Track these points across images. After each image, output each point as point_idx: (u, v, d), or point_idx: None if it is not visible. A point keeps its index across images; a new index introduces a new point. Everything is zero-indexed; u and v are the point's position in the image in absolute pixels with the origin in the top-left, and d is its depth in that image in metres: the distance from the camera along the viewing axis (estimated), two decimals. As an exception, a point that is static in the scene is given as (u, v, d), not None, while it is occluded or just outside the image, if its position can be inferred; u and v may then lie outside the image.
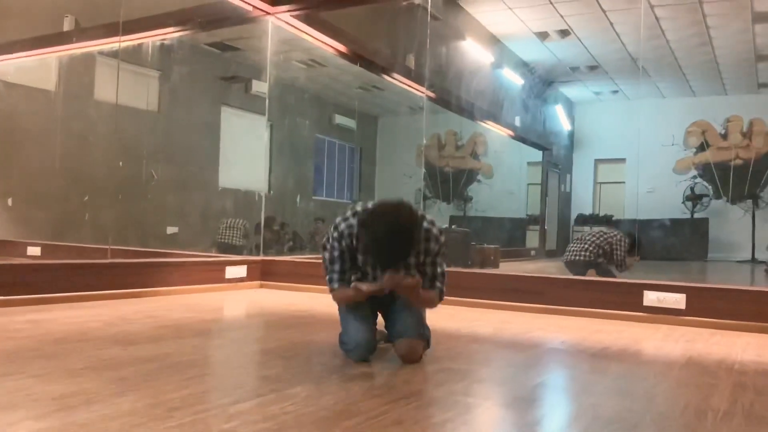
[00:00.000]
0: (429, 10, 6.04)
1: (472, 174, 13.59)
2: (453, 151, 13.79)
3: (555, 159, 13.41)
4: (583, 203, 13.96)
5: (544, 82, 12.34)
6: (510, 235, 12.92)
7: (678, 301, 3.83)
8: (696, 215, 12.50)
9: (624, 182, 13.22)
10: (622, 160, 13.01)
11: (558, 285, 4.21)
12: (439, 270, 2.38)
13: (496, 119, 10.97)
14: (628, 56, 10.58)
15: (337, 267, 2.38)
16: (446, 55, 8.94)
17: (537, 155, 12.87)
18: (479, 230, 11.66)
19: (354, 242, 2.33)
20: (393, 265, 2.21)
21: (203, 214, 8.51)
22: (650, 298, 3.90)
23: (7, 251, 6.68)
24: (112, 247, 5.76)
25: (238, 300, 4.37)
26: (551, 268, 10.44)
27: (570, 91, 13.36)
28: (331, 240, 2.39)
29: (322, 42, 5.79)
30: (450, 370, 2.28)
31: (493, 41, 10.06)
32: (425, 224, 2.31)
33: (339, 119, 11.91)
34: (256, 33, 6.08)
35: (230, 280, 4.89)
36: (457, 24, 8.99)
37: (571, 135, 14.03)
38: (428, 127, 12.77)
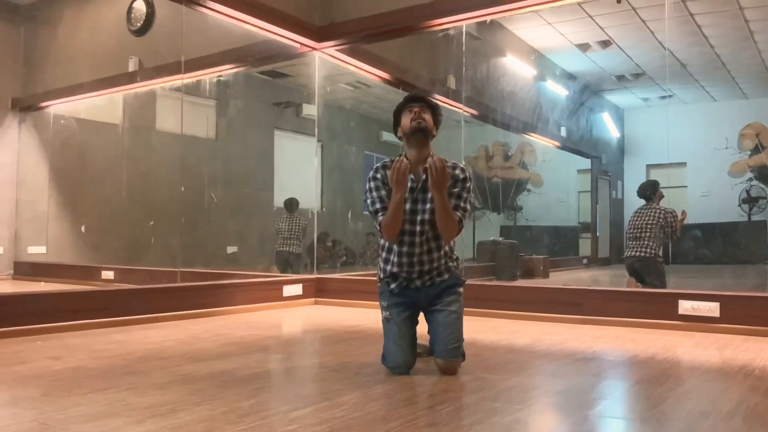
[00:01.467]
0: (463, 36, 6.31)
1: (521, 184, 13.70)
2: (501, 161, 13.94)
3: (604, 166, 13.41)
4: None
5: (589, 92, 12.42)
6: (562, 244, 12.95)
7: (712, 309, 3.99)
8: (753, 218, 12.31)
9: (677, 186, 13.13)
10: (676, 164, 12.93)
11: (596, 296, 4.41)
12: (462, 204, 2.63)
13: (540, 131, 11.13)
14: (676, 62, 10.60)
15: (378, 205, 2.62)
16: (487, 72, 9.18)
17: (586, 163, 12.92)
18: (529, 240, 11.76)
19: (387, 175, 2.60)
20: (416, 96, 2.66)
21: (260, 233, 8.96)
22: (685, 306, 4.07)
23: (83, 275, 7.25)
24: (181, 270, 6.25)
25: (295, 317, 4.72)
26: (603, 276, 10.50)
27: (617, 98, 13.37)
28: (367, 190, 2.67)
29: (366, 71, 6.14)
30: (483, 379, 2.56)
31: (535, 55, 10.25)
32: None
33: (386, 136, 12.22)
34: (305, 60, 6.48)
35: (287, 298, 5.26)
36: (497, 41, 9.22)
37: (621, 142, 14.00)
38: (471, 140, 13.00)
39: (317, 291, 5.49)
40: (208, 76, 6.67)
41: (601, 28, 9.15)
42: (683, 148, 12.17)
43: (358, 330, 4.01)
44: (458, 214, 2.62)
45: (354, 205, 11.82)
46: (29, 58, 7.75)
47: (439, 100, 7.78)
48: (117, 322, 4.04)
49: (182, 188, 8.16)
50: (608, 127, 13.53)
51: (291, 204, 8.00)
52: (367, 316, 4.67)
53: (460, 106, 7.54)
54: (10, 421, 1.92)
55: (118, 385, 2.41)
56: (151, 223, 7.72)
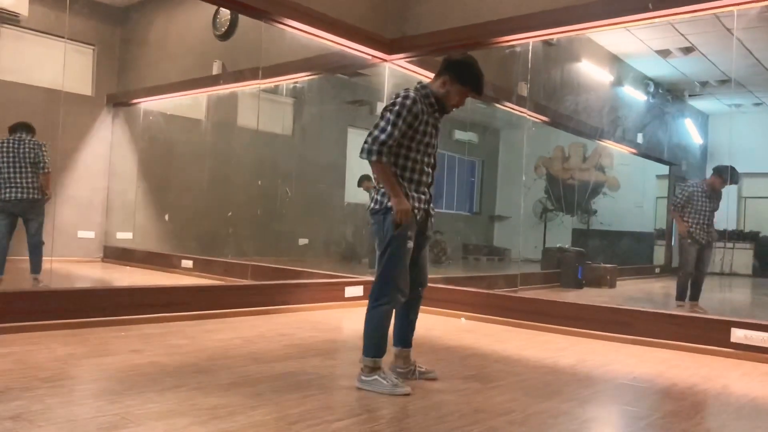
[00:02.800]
0: (529, 53, 6.37)
1: (597, 186, 13.51)
2: (579, 163, 13.77)
3: (684, 173, 13.04)
4: (725, 218, 13.45)
5: (669, 97, 12.10)
6: (636, 251, 12.69)
7: (765, 339, 3.98)
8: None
9: (764, 197, 12.65)
10: (763, 174, 12.45)
11: (645, 317, 4.46)
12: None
13: (615, 137, 10.98)
14: (765, 71, 10.23)
15: (396, 133, 2.72)
16: (561, 78, 9.15)
17: (665, 168, 12.61)
18: (602, 245, 11.60)
19: (424, 113, 2.82)
20: (483, 86, 2.96)
21: (330, 227, 9.32)
22: (737, 335, 4.08)
23: (165, 263, 7.80)
24: (252, 263, 6.64)
25: (354, 319, 5.00)
26: (673, 288, 10.30)
27: (702, 104, 12.96)
28: (399, 104, 2.75)
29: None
30: (517, 400, 2.73)
31: (613, 60, 10.11)
32: None
33: (459, 134, 12.32)
34: (377, 69, 6.70)
35: (349, 299, 5.54)
36: (573, 47, 9.16)
37: (704, 148, 13.57)
38: (546, 142, 12.93)
39: (378, 293, 5.74)
40: (285, 82, 7.00)
41: (682, 34, 8.95)
42: (769, 157, 11.73)
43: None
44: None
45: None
46: (123, 57, 8.33)
47: (509, 107, 7.88)
48: (192, 315, 4.42)
49: (259, 182, 8.62)
50: (690, 133, 13.14)
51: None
52: (420, 322, 4.88)
53: (534, 114, 7.66)
54: (97, 413, 2.26)
55: (188, 383, 2.73)
56: (230, 214, 8.18)
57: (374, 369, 2.81)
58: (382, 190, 2.85)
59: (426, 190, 2.94)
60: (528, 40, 5.28)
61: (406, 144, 2.83)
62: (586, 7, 4.67)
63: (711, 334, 4.15)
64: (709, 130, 13.41)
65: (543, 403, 2.72)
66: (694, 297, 6.05)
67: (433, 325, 4.84)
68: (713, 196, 6.07)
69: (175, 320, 4.29)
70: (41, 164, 5.30)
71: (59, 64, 7.44)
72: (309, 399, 2.59)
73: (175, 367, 3.03)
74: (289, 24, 5.11)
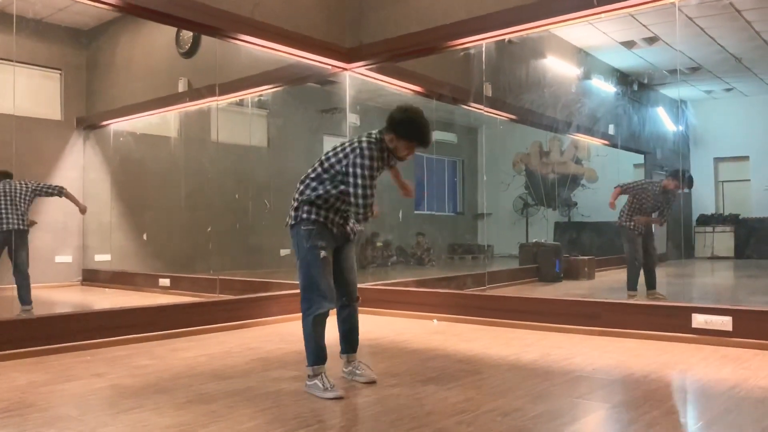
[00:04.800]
0: (483, 55, 6.44)
1: (576, 179, 13.61)
2: (557, 157, 13.87)
3: (660, 161, 13.16)
4: (705, 203, 13.59)
5: (639, 87, 12.22)
6: (617, 241, 12.76)
7: (725, 323, 4.05)
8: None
9: (741, 180, 12.81)
10: (745, 157, 12.61)
11: (612, 309, 4.53)
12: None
13: (586, 130, 11.07)
14: (730, 57, 10.38)
15: (370, 194, 2.90)
16: (527, 75, 9.23)
17: (641, 158, 12.72)
18: (584, 236, 11.67)
19: (381, 161, 2.98)
20: (429, 138, 3.01)
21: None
22: (698, 320, 4.14)
23: (143, 283, 7.81)
24: (220, 277, 6.65)
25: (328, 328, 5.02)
26: (659, 275, 10.36)
27: (681, 92, 13.09)
28: (367, 162, 2.88)
29: (397, 86, 6.37)
30: (471, 400, 2.78)
31: (578, 54, 10.21)
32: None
33: (438, 135, 12.36)
34: (339, 78, 6.73)
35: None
36: (537, 44, 9.24)
37: (683, 135, 13.69)
38: (521, 138, 13.01)
39: (351, 300, 5.77)
40: (250, 95, 7.04)
41: (644, 25, 9.05)
42: (745, 141, 11.90)
43: (378, 344, 4.27)
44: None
45: (404, 205, 12.06)
46: (91, 80, 8.33)
47: (476, 107, 7.95)
48: (160, 336, 4.44)
49: (237, 195, 8.63)
50: (663, 122, 13.26)
51: None
52: (392, 327, 4.93)
53: (497, 112, 7.73)
54: (46, 440, 2.28)
55: (144, 404, 2.76)
56: (209, 229, 8.19)
57: (314, 375, 2.95)
58: (295, 204, 3.03)
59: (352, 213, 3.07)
60: (482, 42, 5.34)
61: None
62: (533, 7, 4.73)
63: (673, 321, 4.22)
64: (687, 117, 13.55)
65: (496, 401, 2.77)
66: (651, 285, 6.15)
67: (404, 329, 4.89)
68: (662, 198, 6.19)
69: (142, 341, 4.30)
70: (52, 193, 5.66)
71: (24, 91, 7.44)
72: (262, 413, 2.62)
73: (135, 389, 3.05)
74: (246, 40, 5.15)
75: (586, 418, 2.57)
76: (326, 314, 3.01)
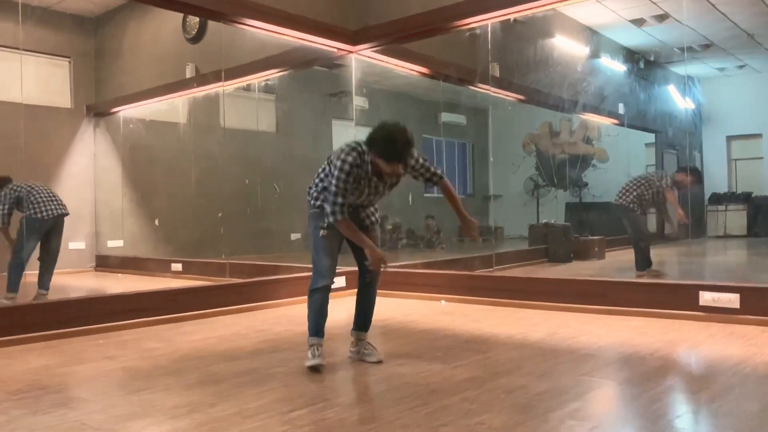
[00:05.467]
0: (489, 35, 6.39)
1: (586, 159, 13.53)
2: (568, 137, 13.79)
3: (671, 140, 13.06)
4: (718, 182, 13.49)
5: (649, 65, 12.09)
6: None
7: (732, 300, 4.05)
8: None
9: (754, 158, 12.68)
10: (758, 135, 12.48)
11: (619, 287, 4.53)
12: (432, 168, 3.21)
13: (596, 109, 10.99)
14: (742, 33, 10.23)
15: (340, 200, 2.97)
16: (535, 54, 9.17)
17: (653, 136, 12.64)
18: (595, 217, 11.62)
19: (360, 169, 2.97)
20: (404, 156, 2.91)
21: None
22: (705, 298, 4.14)
23: (156, 267, 7.89)
24: (231, 261, 6.71)
25: (333, 310, 5.06)
26: (669, 254, 10.34)
27: (691, 69, 12.94)
28: (337, 173, 2.93)
29: (404, 68, 6.35)
30: (476, 378, 2.80)
31: (587, 32, 10.11)
32: None
33: (446, 117, 12.30)
34: (345, 60, 6.72)
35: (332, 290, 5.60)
36: (545, 22, 9.17)
37: (696, 113, 13.56)
38: (531, 119, 12.94)
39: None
40: (257, 80, 7.05)
41: (653, 2, 8.94)
42: (758, 119, 11.78)
43: (386, 325, 4.31)
44: (440, 173, 3.26)
45: (414, 188, 12.04)
46: (99, 67, 8.37)
47: (484, 88, 7.90)
48: (169, 319, 4.50)
49: (246, 181, 8.67)
50: (674, 100, 13.14)
51: None
52: (400, 308, 4.97)
53: (505, 92, 7.70)
54: (59, 421, 2.34)
55: (154, 385, 2.81)
56: (220, 214, 8.25)
57: (310, 345, 3.15)
58: (315, 194, 3.18)
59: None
60: (487, 22, 5.31)
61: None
62: (538, -15, 4.69)
63: (680, 299, 4.22)
64: (701, 95, 13.41)
65: (501, 379, 2.79)
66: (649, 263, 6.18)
67: (412, 309, 4.92)
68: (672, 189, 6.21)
69: (153, 324, 4.37)
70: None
71: (34, 79, 7.48)
72: (269, 392, 2.66)
73: (145, 371, 3.11)
74: (250, 24, 5.15)
75: (590, 394, 2.60)
76: (321, 290, 3.16)
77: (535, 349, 3.45)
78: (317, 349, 3.10)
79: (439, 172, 3.25)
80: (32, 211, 5.36)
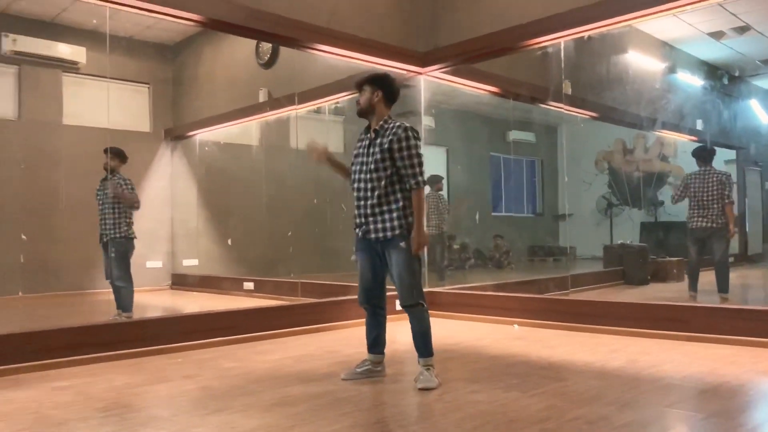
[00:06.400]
0: (562, 52, 6.29)
1: (662, 177, 13.10)
2: (642, 154, 13.41)
3: (754, 156, 12.48)
4: None
5: (730, 80, 11.62)
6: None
7: (830, 329, 3.79)
8: None
9: None
10: None
11: (702, 312, 4.32)
12: (410, 170, 3.21)
13: (673, 126, 10.64)
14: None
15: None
16: (608, 71, 8.96)
17: (733, 153, 12.12)
18: (671, 237, 11.21)
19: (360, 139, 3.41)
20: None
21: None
22: (800, 326, 3.90)
23: (229, 286, 8.07)
24: (302, 280, 6.78)
25: (402, 331, 5.03)
26: (752, 278, 9.82)
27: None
28: (417, 146, 3.19)
29: (472, 87, 6.33)
30: (555, 407, 2.72)
31: (663, 47, 9.82)
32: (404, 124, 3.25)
33: (514, 135, 12.17)
34: (414, 81, 6.75)
35: (399, 312, 5.58)
36: (618, 38, 8.95)
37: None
38: (604, 135, 12.62)
39: (429, 304, 5.76)
40: (326, 103, 7.17)
41: (733, 14, 8.61)
42: None
43: (457, 349, 4.25)
44: (410, 183, 3.21)
45: (481, 206, 11.94)
46: (177, 93, 8.71)
47: (555, 106, 7.78)
48: (244, 338, 4.58)
49: (315, 200, 8.80)
50: (757, 115, 12.57)
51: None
52: (471, 332, 4.90)
53: (577, 110, 7.56)
54: (142, 440, 2.40)
55: (232, 406, 2.85)
56: (289, 233, 8.40)
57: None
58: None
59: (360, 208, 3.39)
60: (559, 40, 5.23)
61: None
62: (614, 2, 4.59)
63: (770, 327, 3.99)
64: (779, 109, 12.78)
65: (581, 409, 2.70)
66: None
67: (484, 333, 4.84)
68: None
69: (228, 344, 4.46)
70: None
71: (117, 105, 7.84)
72: (345, 417, 2.65)
73: (223, 390, 3.17)
74: (322, 49, 5.25)
75: (676, 429, 2.47)
76: (364, 310, 3.46)
77: (615, 377, 3.32)
78: (361, 363, 3.43)
79: (413, 181, 3.20)
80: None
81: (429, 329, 3.31)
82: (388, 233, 3.21)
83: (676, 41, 9.77)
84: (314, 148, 3.48)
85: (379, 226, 3.23)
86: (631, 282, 8.42)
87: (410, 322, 3.31)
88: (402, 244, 3.19)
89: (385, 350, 3.49)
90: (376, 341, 3.44)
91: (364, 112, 3.36)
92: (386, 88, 3.34)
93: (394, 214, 3.20)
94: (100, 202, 5.57)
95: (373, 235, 3.26)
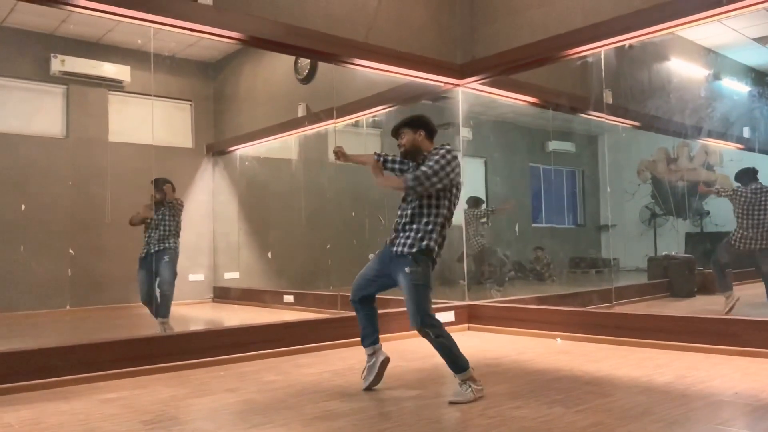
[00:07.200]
0: (602, 62, 6.20)
1: (708, 186, 12.77)
2: (687, 163, 13.13)
3: (805, 164, 12.08)
4: None
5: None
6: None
7: None
8: None
9: None
10: None
11: (754, 327, 4.18)
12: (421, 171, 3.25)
13: (718, 134, 10.38)
14: None
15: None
16: (650, 79, 8.82)
17: (784, 160, 11.77)
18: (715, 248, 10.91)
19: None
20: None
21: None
22: None
23: (269, 299, 8.14)
24: (342, 293, 6.78)
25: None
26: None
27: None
28: (446, 159, 3.24)
29: (511, 98, 6.29)
30: (601, 424, 2.66)
31: (706, 54, 9.62)
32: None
33: (553, 145, 12.03)
34: (452, 93, 6.74)
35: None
36: (659, 46, 8.81)
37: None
38: (640, 149, 12.40)
39: (470, 317, 5.73)
40: (364, 117, 7.21)
41: (780, 19, 8.39)
42: None
43: (498, 363, 4.20)
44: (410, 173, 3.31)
45: (521, 218, 11.81)
46: (218, 109, 8.87)
47: (596, 116, 7.68)
48: (285, 351, 4.61)
49: (353, 213, 8.83)
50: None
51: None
52: (513, 346, 4.84)
53: (618, 119, 7.46)
54: (187, 453, 2.43)
55: (274, 420, 2.87)
56: (328, 246, 8.45)
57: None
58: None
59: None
60: (600, 49, 5.16)
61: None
62: (655, 10, 4.53)
63: (828, 342, 3.84)
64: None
65: (628, 426, 2.63)
66: None
67: (526, 347, 4.78)
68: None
69: (269, 357, 4.49)
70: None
71: (160, 122, 8.02)
72: None
73: (265, 404, 3.19)
74: (360, 63, 5.30)
75: (729, 448, 2.39)
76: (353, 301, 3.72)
77: (663, 393, 3.23)
78: (365, 369, 3.58)
79: (411, 175, 3.24)
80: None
81: (449, 348, 3.30)
82: (405, 249, 3.28)
83: (720, 47, 9.56)
84: (335, 151, 3.78)
85: (402, 241, 3.32)
86: (677, 294, 8.22)
87: (433, 345, 3.38)
88: (407, 269, 3.25)
89: (387, 347, 3.74)
90: (366, 334, 3.66)
91: (410, 153, 3.44)
92: (426, 126, 3.44)
93: (419, 235, 3.28)
94: (157, 221, 5.79)
95: (394, 248, 3.36)
